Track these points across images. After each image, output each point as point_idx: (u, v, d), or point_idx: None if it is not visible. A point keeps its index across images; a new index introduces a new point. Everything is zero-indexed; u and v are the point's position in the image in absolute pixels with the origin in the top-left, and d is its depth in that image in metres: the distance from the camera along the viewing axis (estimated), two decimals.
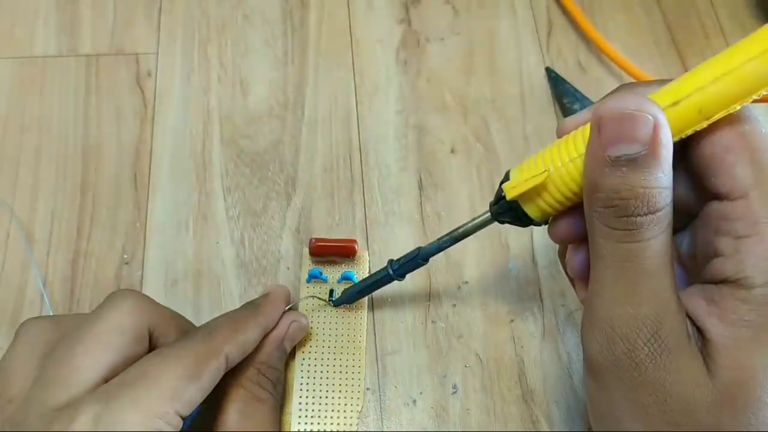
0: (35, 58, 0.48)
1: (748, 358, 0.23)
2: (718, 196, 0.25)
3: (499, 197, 0.30)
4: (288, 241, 0.42)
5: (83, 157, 0.45)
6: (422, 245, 0.35)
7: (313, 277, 0.40)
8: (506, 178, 0.29)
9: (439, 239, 0.34)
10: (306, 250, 0.40)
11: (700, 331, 0.25)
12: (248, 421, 0.32)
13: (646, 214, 0.24)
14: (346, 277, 0.40)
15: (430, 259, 0.35)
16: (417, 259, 0.35)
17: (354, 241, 0.40)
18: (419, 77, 0.48)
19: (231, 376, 0.32)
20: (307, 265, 0.40)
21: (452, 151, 0.46)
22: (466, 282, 0.41)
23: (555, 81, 0.48)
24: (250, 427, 0.32)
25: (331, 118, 0.47)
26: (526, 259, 0.42)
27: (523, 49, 0.50)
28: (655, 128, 0.24)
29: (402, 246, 0.42)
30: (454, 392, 0.38)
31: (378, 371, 0.38)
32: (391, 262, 0.36)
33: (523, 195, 0.28)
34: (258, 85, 0.48)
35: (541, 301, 0.41)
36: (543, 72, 0.49)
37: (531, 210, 0.29)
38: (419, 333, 0.39)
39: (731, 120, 0.25)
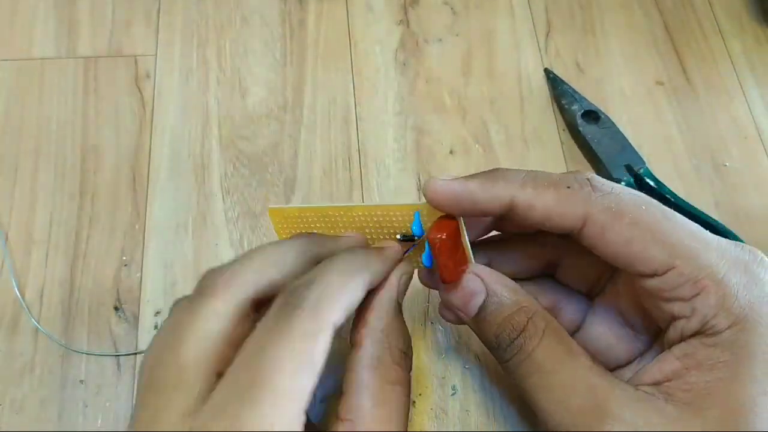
0: (33, 60, 0.48)
1: (733, 394, 0.24)
2: (644, 275, 0.26)
3: None
4: None
5: (82, 158, 0.44)
6: None
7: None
8: None
9: None
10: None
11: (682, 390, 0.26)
12: (384, 409, 0.27)
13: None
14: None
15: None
16: None
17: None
18: (418, 78, 0.48)
19: (354, 353, 0.28)
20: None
21: (451, 152, 0.46)
22: None
23: (554, 82, 0.48)
24: (386, 416, 0.27)
25: (330, 119, 0.47)
26: None
27: (522, 50, 0.50)
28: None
29: None
30: (454, 393, 0.38)
31: None
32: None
33: None
34: (257, 86, 0.48)
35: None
36: (542, 73, 0.49)
37: None
38: (418, 334, 0.39)
39: (611, 216, 0.26)
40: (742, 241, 0.42)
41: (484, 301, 0.30)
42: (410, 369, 0.29)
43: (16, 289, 0.40)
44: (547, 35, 0.51)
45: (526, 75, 0.49)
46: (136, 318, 0.39)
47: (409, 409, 0.29)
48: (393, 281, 0.30)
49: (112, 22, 0.50)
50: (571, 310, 0.33)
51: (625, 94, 0.48)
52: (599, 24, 0.51)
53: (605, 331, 0.31)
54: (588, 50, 0.50)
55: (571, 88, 0.47)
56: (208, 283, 0.27)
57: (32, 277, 0.40)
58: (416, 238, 0.32)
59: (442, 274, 0.30)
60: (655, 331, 0.30)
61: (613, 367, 0.31)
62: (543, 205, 0.27)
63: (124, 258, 0.41)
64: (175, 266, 0.41)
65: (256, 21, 0.50)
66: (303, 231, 0.33)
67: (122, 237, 0.42)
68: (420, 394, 0.38)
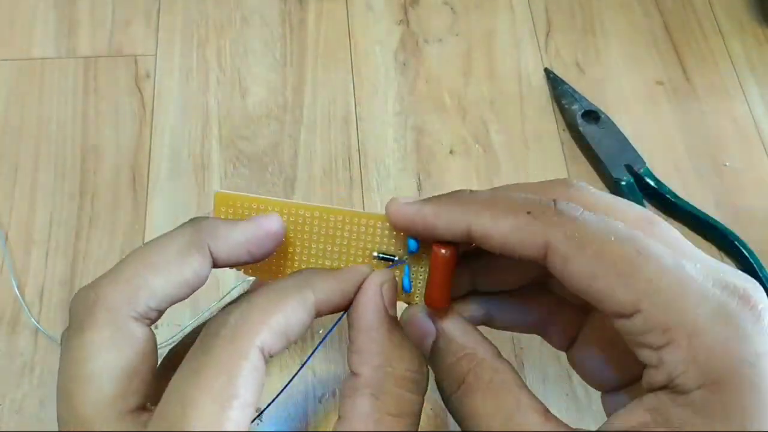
0: (34, 60, 0.48)
1: None
2: (611, 315, 0.23)
3: None
4: None
5: (82, 158, 0.44)
6: None
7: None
8: None
9: None
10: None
11: None
12: None
13: None
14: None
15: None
16: None
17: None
18: (418, 78, 0.48)
19: (351, 379, 0.25)
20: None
21: (451, 152, 0.46)
22: None
23: (554, 82, 0.48)
24: None
25: (330, 119, 0.47)
26: None
27: (522, 50, 0.50)
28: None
29: None
30: None
31: None
32: None
33: None
34: (256, 86, 0.48)
35: None
36: (542, 73, 0.49)
37: None
38: None
39: (574, 247, 0.23)
40: (743, 243, 0.42)
41: (433, 343, 0.27)
42: (423, 390, 0.26)
43: (16, 289, 0.40)
44: (547, 35, 0.51)
45: (526, 75, 0.49)
46: None
47: None
48: (370, 293, 0.26)
49: (112, 22, 0.50)
50: (563, 322, 0.30)
51: (625, 94, 0.48)
52: (599, 24, 0.51)
53: (599, 350, 0.28)
54: (588, 50, 0.50)
55: (571, 88, 0.47)
56: (78, 308, 0.24)
57: (32, 277, 0.40)
58: (395, 259, 0.28)
59: (434, 296, 0.27)
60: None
61: (608, 390, 0.28)
62: (499, 234, 0.24)
63: None
64: None
65: (256, 21, 0.50)
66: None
67: (122, 237, 0.42)
68: None
